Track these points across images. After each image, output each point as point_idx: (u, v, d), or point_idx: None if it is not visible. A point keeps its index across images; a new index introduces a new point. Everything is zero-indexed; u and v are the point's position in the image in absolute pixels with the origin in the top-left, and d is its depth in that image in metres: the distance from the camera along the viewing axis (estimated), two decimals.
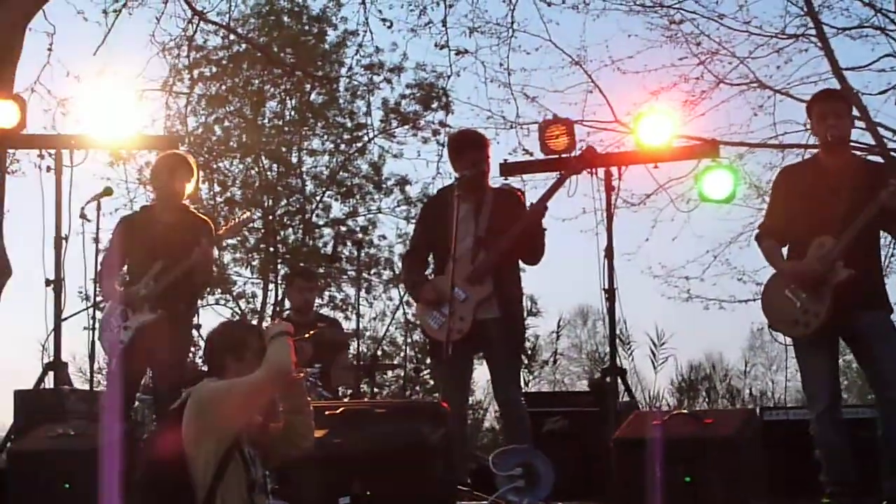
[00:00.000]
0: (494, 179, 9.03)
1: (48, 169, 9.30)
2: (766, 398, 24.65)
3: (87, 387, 8.78)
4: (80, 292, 16.24)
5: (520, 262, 8.09)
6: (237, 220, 8.65)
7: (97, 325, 8.42)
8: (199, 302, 21.81)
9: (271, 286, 22.13)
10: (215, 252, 8.99)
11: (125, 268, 8.53)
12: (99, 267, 8.40)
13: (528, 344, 22.58)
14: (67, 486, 7.08)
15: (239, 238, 22.09)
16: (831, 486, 6.88)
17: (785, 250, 7.25)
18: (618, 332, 8.93)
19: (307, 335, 5.87)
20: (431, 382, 18.80)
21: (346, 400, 9.28)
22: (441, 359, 7.50)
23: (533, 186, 12.74)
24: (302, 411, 5.75)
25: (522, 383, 9.24)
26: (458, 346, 7.55)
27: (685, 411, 6.97)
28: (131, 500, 6.02)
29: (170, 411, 5.77)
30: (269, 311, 21.73)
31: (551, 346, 23.32)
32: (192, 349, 8.93)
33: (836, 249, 6.85)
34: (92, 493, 7.00)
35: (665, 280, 17.79)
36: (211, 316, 21.37)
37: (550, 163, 9.21)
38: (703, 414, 6.98)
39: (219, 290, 22.09)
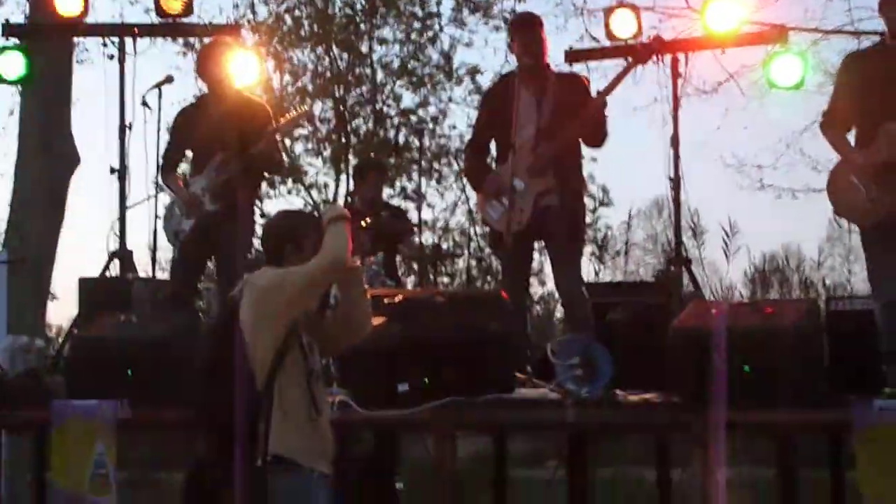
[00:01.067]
0: (560, 67, 8.93)
1: (110, 57, 9.23)
2: (841, 289, 24.46)
3: (151, 275, 8.79)
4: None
5: (582, 149, 8.00)
6: (295, 114, 8.61)
7: (162, 215, 8.48)
8: (272, 192, 22.02)
9: (343, 176, 22.11)
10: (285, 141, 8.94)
11: (189, 156, 8.60)
12: (160, 161, 8.45)
13: (599, 234, 22.55)
14: (130, 373, 7.14)
15: (310, 128, 22.11)
16: (895, 376, 6.81)
17: (852, 137, 7.13)
18: (688, 222, 8.83)
19: (364, 223, 5.84)
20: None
21: (407, 289, 9.30)
22: (501, 249, 7.47)
23: (602, 75, 12.61)
24: (360, 300, 5.74)
25: (592, 273, 9.21)
26: (518, 237, 7.52)
27: (746, 301, 6.89)
28: (193, 386, 6.08)
29: (228, 299, 5.81)
30: (340, 201, 21.74)
31: (624, 236, 23.21)
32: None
33: None
34: (154, 380, 7.10)
35: (738, 170, 17.58)
36: (283, 206, 21.48)
37: (616, 49, 9.07)
38: (764, 304, 6.89)
39: (290, 181, 22.13)
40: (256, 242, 8.58)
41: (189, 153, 8.74)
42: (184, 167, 9.25)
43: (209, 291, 9.40)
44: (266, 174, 9.10)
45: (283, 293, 5.48)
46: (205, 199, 8.24)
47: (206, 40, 9.03)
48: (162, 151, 8.50)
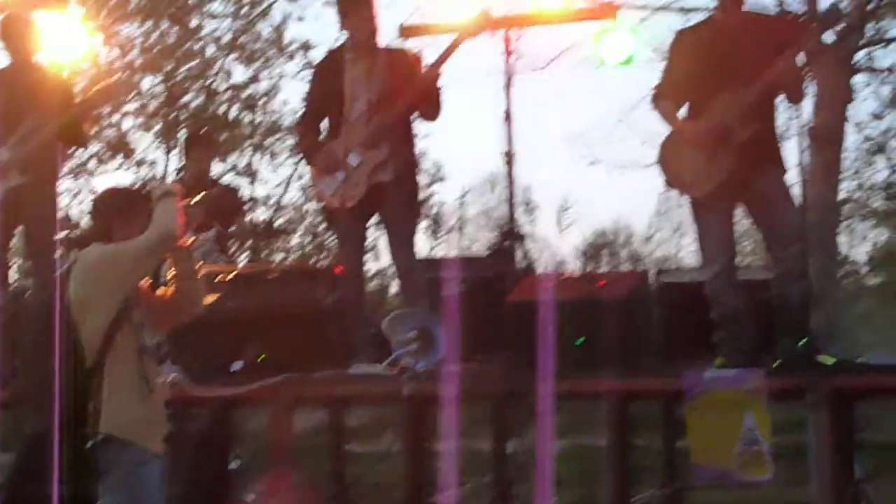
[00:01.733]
0: (394, 42, 8.91)
1: None
2: (670, 262, 24.99)
3: None
4: None
5: (415, 124, 8.00)
6: (103, 87, 8.46)
7: None
8: (100, 168, 21.57)
9: (173, 152, 21.81)
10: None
11: None
12: None
13: (433, 210, 22.65)
14: None
15: (139, 103, 21.77)
16: (726, 347, 6.96)
17: (684, 112, 7.24)
18: (521, 197, 8.90)
19: (195, 199, 5.77)
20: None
21: (240, 265, 9.21)
22: (335, 225, 7.44)
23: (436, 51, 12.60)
24: (191, 276, 5.68)
25: (427, 248, 9.23)
26: (352, 212, 7.49)
27: (577, 274, 6.98)
28: (18, 364, 5.96)
29: (57, 275, 5.70)
30: (170, 177, 21.47)
31: (458, 212, 23.35)
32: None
33: (735, 109, 6.84)
34: None
35: (570, 144, 17.73)
36: (111, 182, 21.14)
37: (450, 25, 9.07)
38: (596, 276, 7.00)
39: (120, 156, 21.77)
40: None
41: None
42: None
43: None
44: (68, 147, 8.91)
45: (114, 269, 5.39)
46: (10, 172, 8.07)
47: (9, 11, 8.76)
48: None
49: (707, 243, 7.11)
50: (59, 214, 8.56)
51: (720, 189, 6.94)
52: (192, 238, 5.76)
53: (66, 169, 14.01)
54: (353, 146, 7.55)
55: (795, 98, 7.16)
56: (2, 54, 8.57)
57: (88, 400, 5.29)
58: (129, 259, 5.42)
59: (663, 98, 7.26)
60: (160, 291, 5.70)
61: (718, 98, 6.90)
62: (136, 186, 16.92)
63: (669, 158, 7.17)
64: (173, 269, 5.66)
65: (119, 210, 5.62)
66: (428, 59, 8.09)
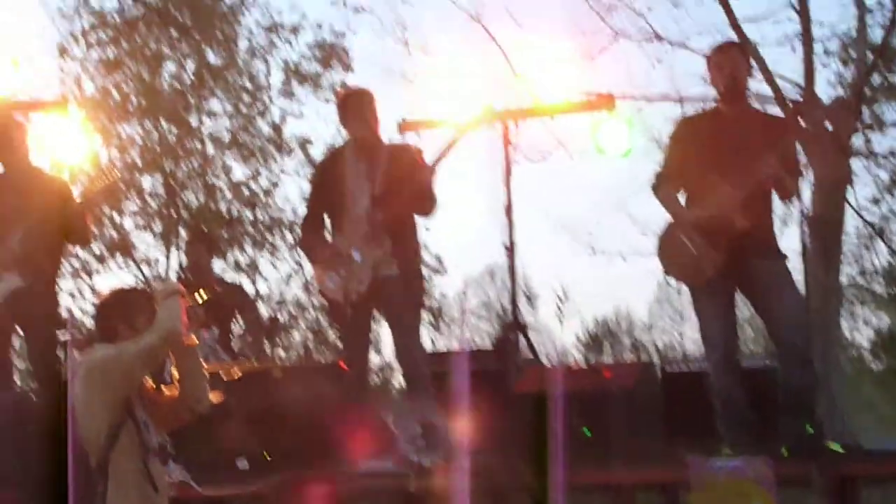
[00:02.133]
0: (394, 137, 8.99)
1: None
2: (672, 350, 24.97)
3: None
4: None
5: (416, 218, 8.05)
6: (101, 185, 8.52)
7: None
8: (100, 267, 21.58)
9: (174, 250, 21.85)
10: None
11: None
12: None
13: (434, 303, 22.64)
14: None
15: (140, 203, 21.85)
16: (730, 435, 6.94)
17: (683, 200, 7.28)
18: (521, 287, 8.92)
19: (200, 299, 5.78)
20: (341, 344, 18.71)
21: (245, 363, 9.20)
22: (340, 321, 7.45)
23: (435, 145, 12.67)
24: (196, 374, 5.68)
25: (429, 342, 9.23)
26: (357, 307, 7.51)
27: (584, 365, 6.97)
28: (26, 466, 5.94)
29: (62, 377, 5.70)
30: (172, 276, 21.48)
31: (460, 305, 23.38)
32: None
33: (733, 199, 6.89)
34: None
35: (570, 234, 17.80)
36: (113, 282, 21.18)
37: (448, 120, 9.15)
38: (602, 367, 6.99)
39: (120, 255, 21.81)
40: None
41: None
42: None
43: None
44: (72, 246, 8.96)
45: (118, 367, 5.39)
46: (6, 275, 8.08)
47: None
48: None
49: (708, 331, 7.12)
50: (63, 315, 8.57)
51: (719, 277, 6.97)
52: (196, 338, 5.76)
53: (66, 269, 14.04)
54: (356, 242, 7.59)
55: (785, 196, 7.20)
56: None
57: (94, 500, 5.27)
58: (133, 358, 5.42)
59: (665, 184, 7.31)
60: (164, 390, 5.69)
61: (717, 188, 6.95)
62: (139, 286, 17.02)
63: (668, 247, 7.19)
64: (177, 367, 5.66)
65: (124, 311, 5.64)
66: (428, 153, 8.17)
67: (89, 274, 21.39)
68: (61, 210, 8.02)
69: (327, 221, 8.06)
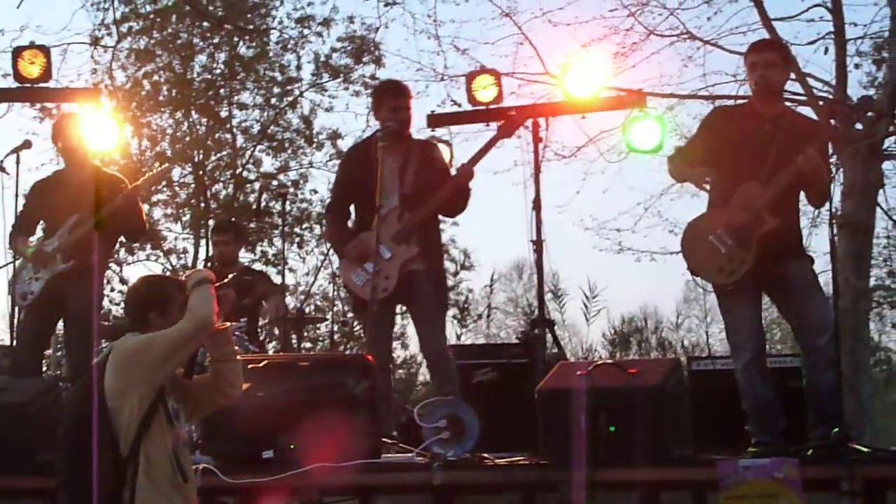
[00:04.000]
0: (422, 131, 9.00)
1: None
2: (699, 350, 24.89)
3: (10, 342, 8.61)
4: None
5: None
6: (153, 173, 8.59)
7: (9, 279, 8.36)
8: (130, 258, 21.67)
9: (202, 241, 21.93)
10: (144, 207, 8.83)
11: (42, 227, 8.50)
12: (10, 229, 8.35)
13: (461, 297, 22.66)
14: None
15: (169, 193, 21.94)
16: (757, 436, 6.93)
17: (708, 198, 7.28)
18: (549, 284, 8.91)
19: (226, 279, 5.79)
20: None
21: (271, 353, 9.24)
22: (366, 315, 7.46)
23: (464, 139, 12.71)
24: (229, 359, 5.70)
25: (454, 337, 9.24)
26: (382, 301, 7.53)
27: (610, 361, 6.95)
28: (58, 452, 5.96)
29: (94, 365, 5.71)
30: (200, 266, 21.56)
31: (486, 299, 23.36)
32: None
33: (763, 198, 6.87)
34: (18, 448, 6.94)
35: (597, 233, 17.76)
36: (142, 271, 21.30)
37: (478, 114, 9.17)
38: (627, 364, 6.97)
39: (149, 246, 21.91)
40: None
41: (42, 223, 8.61)
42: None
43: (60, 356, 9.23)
44: (124, 237, 9.02)
45: (150, 356, 5.40)
46: (56, 258, 8.15)
47: (63, 107, 8.93)
48: (13, 221, 8.40)
49: (736, 332, 7.10)
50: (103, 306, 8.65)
51: (747, 278, 6.94)
52: (227, 324, 5.77)
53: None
54: (385, 239, 7.60)
55: (816, 197, 7.17)
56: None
57: (123, 488, 5.29)
58: (165, 347, 5.43)
59: (680, 157, 7.31)
60: (197, 378, 5.71)
61: (745, 186, 6.92)
62: (170, 275, 17.07)
63: (695, 246, 7.17)
64: (210, 353, 5.68)
65: (155, 299, 5.65)
66: (458, 147, 8.19)
67: (119, 264, 21.50)
68: (114, 201, 8.07)
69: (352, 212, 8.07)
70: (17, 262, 8.38)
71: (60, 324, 8.57)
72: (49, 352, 9.46)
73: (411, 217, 7.73)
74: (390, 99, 7.90)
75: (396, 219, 7.73)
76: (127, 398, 5.38)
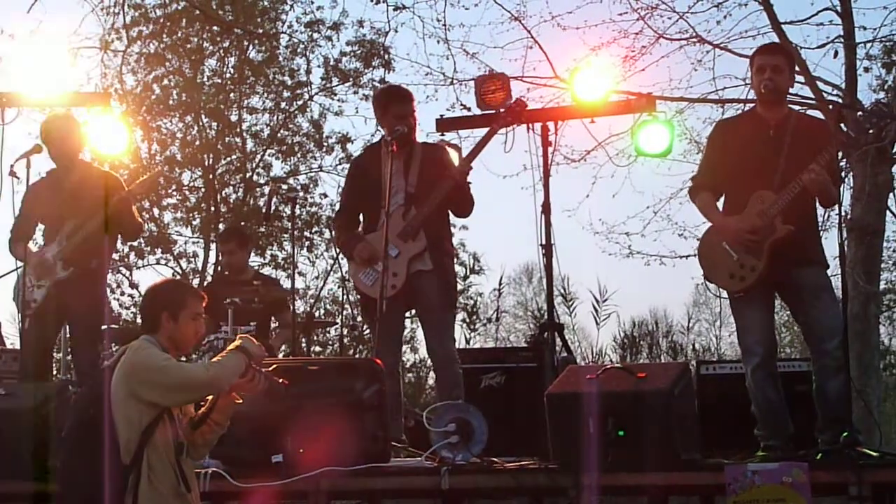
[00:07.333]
0: (431, 135, 9.00)
1: None
2: (709, 353, 24.84)
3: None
4: None
5: (451, 217, 8.07)
6: (147, 177, 8.62)
7: (12, 285, 8.39)
8: (139, 262, 21.70)
9: (212, 246, 21.95)
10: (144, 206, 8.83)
11: (41, 230, 8.52)
12: (9, 234, 8.37)
13: (470, 301, 22.65)
14: None
15: (179, 197, 21.98)
16: (766, 440, 6.92)
17: (720, 202, 7.26)
18: (558, 288, 8.91)
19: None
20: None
21: (281, 357, 9.23)
22: (374, 316, 7.47)
23: (473, 143, 12.69)
24: (221, 427, 5.83)
25: (463, 340, 9.23)
26: (391, 303, 7.52)
27: (619, 365, 6.94)
28: (59, 455, 5.97)
29: (105, 368, 5.75)
30: (209, 270, 21.60)
31: (495, 303, 23.35)
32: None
33: (775, 205, 6.87)
34: (23, 452, 6.95)
35: (606, 237, 17.76)
36: (151, 276, 21.34)
37: (486, 118, 9.15)
38: (636, 368, 6.96)
39: (159, 250, 21.94)
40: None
41: (41, 225, 8.63)
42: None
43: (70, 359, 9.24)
44: (121, 239, 9.05)
45: (159, 382, 5.47)
46: (56, 266, 8.16)
47: (52, 112, 8.92)
48: (11, 226, 8.42)
49: (746, 335, 7.09)
50: (106, 307, 8.66)
51: (759, 283, 6.94)
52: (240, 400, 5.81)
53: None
54: (392, 237, 7.60)
55: (826, 202, 7.17)
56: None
57: (126, 495, 5.30)
58: (177, 382, 5.51)
59: (701, 189, 7.28)
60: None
61: (758, 194, 6.92)
62: (184, 279, 17.08)
63: (709, 253, 7.17)
64: (212, 413, 5.77)
65: (169, 302, 5.70)
66: (465, 152, 8.17)
67: (128, 268, 21.54)
68: (110, 204, 8.09)
69: (361, 218, 8.08)
70: (19, 270, 8.40)
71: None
72: (59, 355, 9.46)
73: (416, 214, 7.73)
74: (396, 106, 7.91)
75: (402, 216, 7.74)
76: (131, 407, 5.42)
